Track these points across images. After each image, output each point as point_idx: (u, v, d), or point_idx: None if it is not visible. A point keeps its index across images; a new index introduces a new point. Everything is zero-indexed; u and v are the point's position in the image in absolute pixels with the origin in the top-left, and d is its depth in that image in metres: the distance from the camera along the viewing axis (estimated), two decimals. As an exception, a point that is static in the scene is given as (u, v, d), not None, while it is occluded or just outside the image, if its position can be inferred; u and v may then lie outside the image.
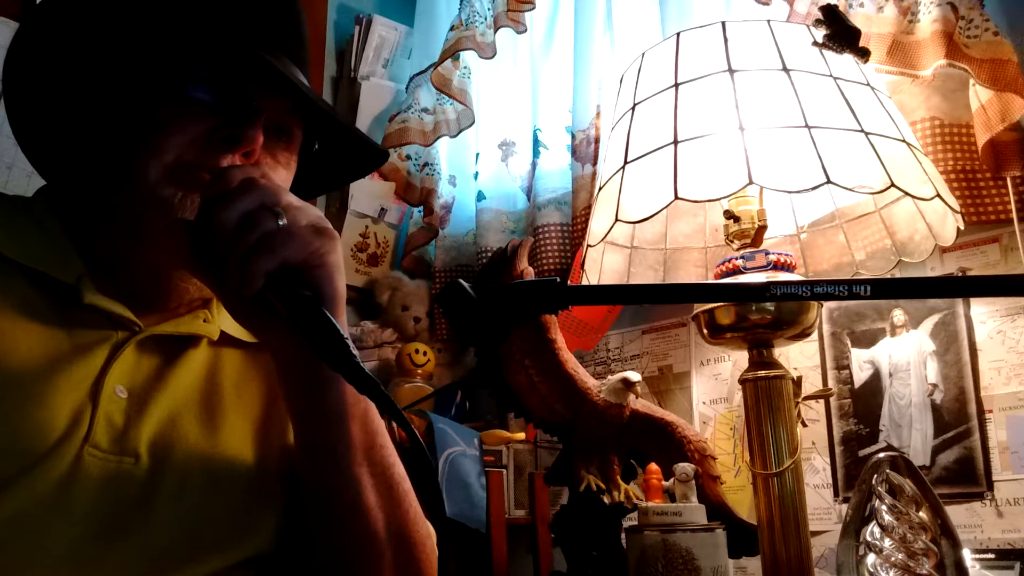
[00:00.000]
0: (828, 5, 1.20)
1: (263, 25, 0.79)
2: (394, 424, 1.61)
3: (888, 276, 1.28)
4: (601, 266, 1.36)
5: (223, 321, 0.80)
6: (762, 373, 1.18)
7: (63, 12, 0.77)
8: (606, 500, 1.29)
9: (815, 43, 1.19)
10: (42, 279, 0.72)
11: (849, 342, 1.45)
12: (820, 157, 1.07)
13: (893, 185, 1.07)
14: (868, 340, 1.43)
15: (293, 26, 0.82)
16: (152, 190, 0.71)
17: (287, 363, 0.73)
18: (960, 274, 1.35)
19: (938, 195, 1.11)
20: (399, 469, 0.77)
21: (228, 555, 0.72)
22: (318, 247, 0.67)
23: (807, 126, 1.11)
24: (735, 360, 1.58)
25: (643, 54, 1.31)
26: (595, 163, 1.75)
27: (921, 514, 1.07)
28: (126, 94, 0.75)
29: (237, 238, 0.64)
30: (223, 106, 0.74)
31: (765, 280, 1.15)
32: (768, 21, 1.24)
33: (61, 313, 0.72)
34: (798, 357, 1.49)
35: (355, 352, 0.62)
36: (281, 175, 0.79)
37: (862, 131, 1.11)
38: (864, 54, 1.18)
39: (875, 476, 1.11)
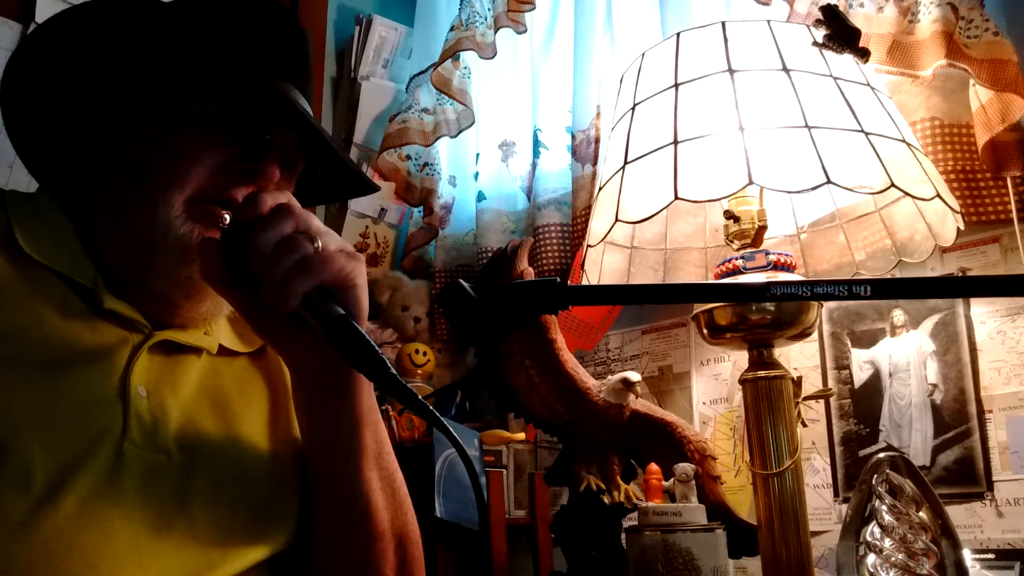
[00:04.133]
0: (828, 5, 1.20)
1: (272, 53, 0.81)
2: (394, 425, 1.60)
3: (888, 276, 1.28)
4: (601, 266, 1.36)
5: (220, 335, 0.83)
6: (762, 373, 1.18)
7: (74, 32, 0.79)
8: (606, 500, 1.30)
9: (815, 43, 1.19)
10: (64, 276, 0.74)
11: (849, 342, 1.45)
12: (820, 157, 1.07)
13: (893, 185, 1.07)
14: (868, 340, 1.43)
15: (299, 53, 0.85)
16: (170, 226, 0.74)
17: (310, 373, 0.76)
18: (960, 274, 1.35)
19: (938, 195, 1.11)
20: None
21: (262, 548, 0.75)
22: (350, 270, 0.71)
23: (807, 126, 1.10)
24: (735, 360, 1.58)
25: (643, 54, 1.31)
26: (595, 163, 1.75)
27: (921, 514, 1.07)
28: (140, 120, 0.77)
29: (276, 260, 0.68)
30: (240, 138, 0.77)
31: (765, 280, 1.15)
32: (768, 21, 1.24)
33: (84, 310, 0.74)
34: (798, 357, 1.49)
35: (391, 364, 0.67)
36: None
37: (862, 131, 1.11)
38: (864, 54, 1.18)
39: (875, 476, 1.11)
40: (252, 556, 0.74)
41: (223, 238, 0.71)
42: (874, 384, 1.41)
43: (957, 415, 1.31)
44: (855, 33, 1.17)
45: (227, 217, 0.74)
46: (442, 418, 0.68)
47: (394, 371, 0.66)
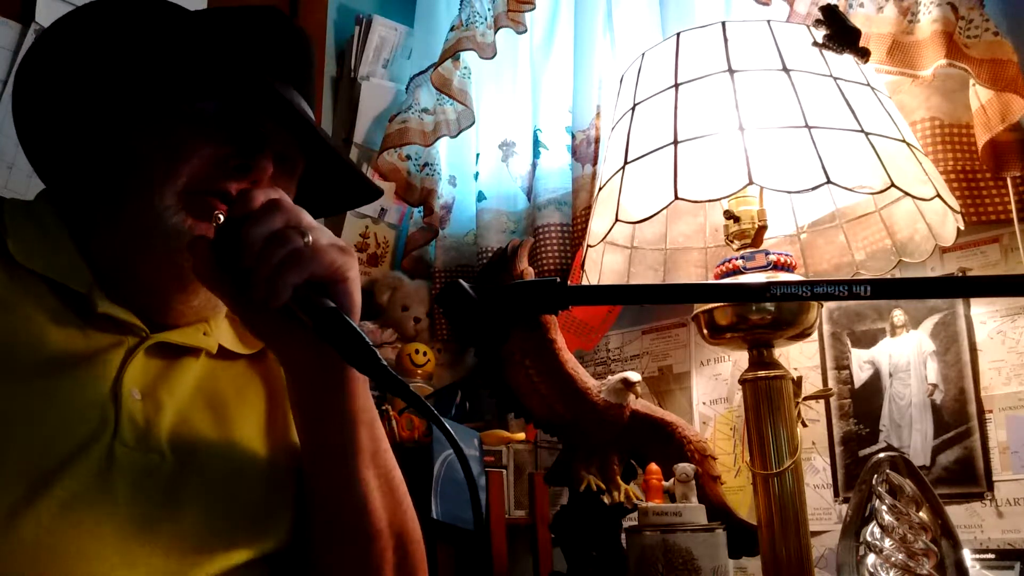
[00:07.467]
0: (828, 5, 1.20)
1: (275, 55, 0.82)
2: (393, 425, 1.60)
3: (888, 276, 1.28)
4: (601, 266, 1.36)
5: (220, 336, 0.84)
6: (762, 373, 1.18)
7: (81, 33, 0.80)
8: (606, 500, 1.30)
9: (815, 43, 1.19)
10: (57, 285, 0.75)
11: (849, 342, 1.44)
12: (820, 157, 1.07)
13: (893, 185, 1.07)
14: (868, 340, 1.42)
15: (302, 57, 0.86)
16: (162, 217, 0.75)
17: (303, 371, 0.76)
18: (960, 274, 1.35)
19: (938, 195, 1.12)
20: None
21: (253, 548, 0.75)
22: (341, 263, 0.71)
23: (807, 126, 1.10)
24: (735, 360, 1.58)
25: (643, 54, 1.32)
26: (595, 163, 1.75)
27: (921, 514, 1.07)
28: (141, 116, 0.78)
29: (266, 253, 0.68)
30: (235, 134, 0.77)
31: (765, 280, 1.15)
32: (768, 21, 1.24)
33: (77, 318, 0.75)
34: (798, 357, 1.49)
35: (382, 357, 0.66)
36: None
37: (862, 131, 1.11)
38: (864, 54, 1.18)
39: (875, 476, 1.11)
40: (243, 555, 0.74)
41: (215, 235, 0.72)
42: (874, 384, 1.41)
43: (957, 415, 1.31)
44: (855, 33, 1.17)
45: (221, 209, 0.75)
46: (438, 414, 0.68)
47: (385, 363, 0.66)
